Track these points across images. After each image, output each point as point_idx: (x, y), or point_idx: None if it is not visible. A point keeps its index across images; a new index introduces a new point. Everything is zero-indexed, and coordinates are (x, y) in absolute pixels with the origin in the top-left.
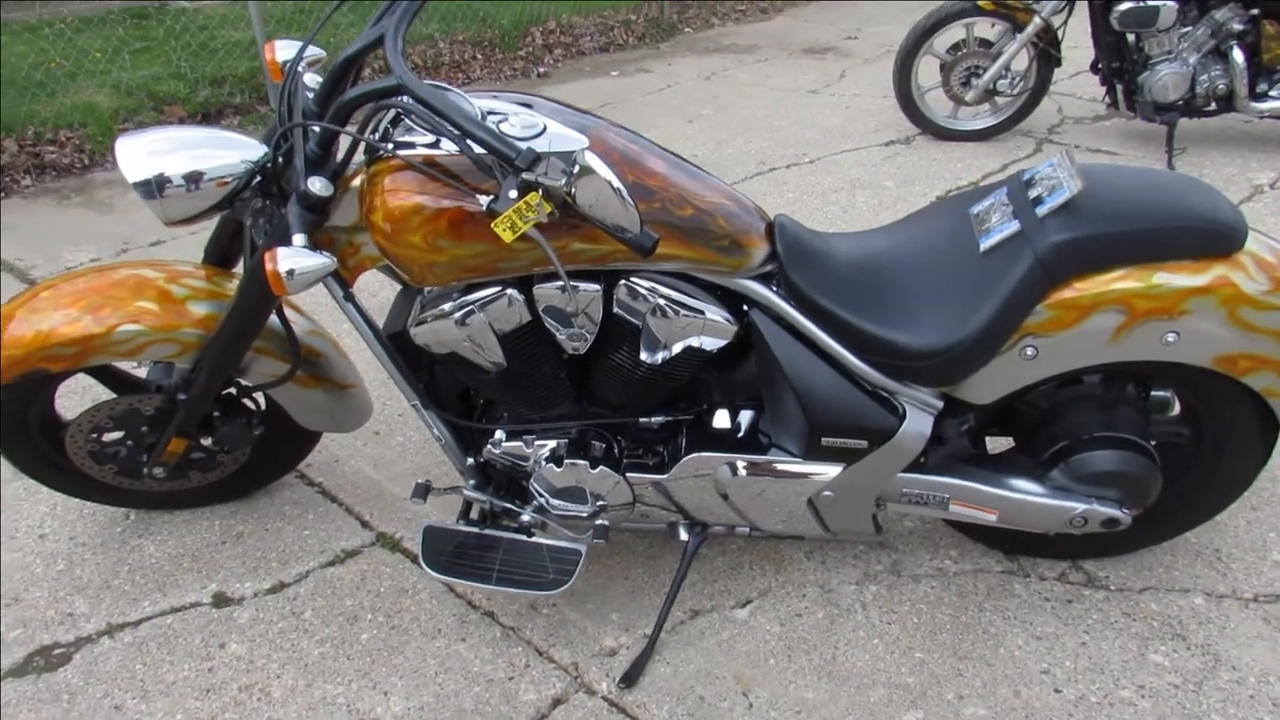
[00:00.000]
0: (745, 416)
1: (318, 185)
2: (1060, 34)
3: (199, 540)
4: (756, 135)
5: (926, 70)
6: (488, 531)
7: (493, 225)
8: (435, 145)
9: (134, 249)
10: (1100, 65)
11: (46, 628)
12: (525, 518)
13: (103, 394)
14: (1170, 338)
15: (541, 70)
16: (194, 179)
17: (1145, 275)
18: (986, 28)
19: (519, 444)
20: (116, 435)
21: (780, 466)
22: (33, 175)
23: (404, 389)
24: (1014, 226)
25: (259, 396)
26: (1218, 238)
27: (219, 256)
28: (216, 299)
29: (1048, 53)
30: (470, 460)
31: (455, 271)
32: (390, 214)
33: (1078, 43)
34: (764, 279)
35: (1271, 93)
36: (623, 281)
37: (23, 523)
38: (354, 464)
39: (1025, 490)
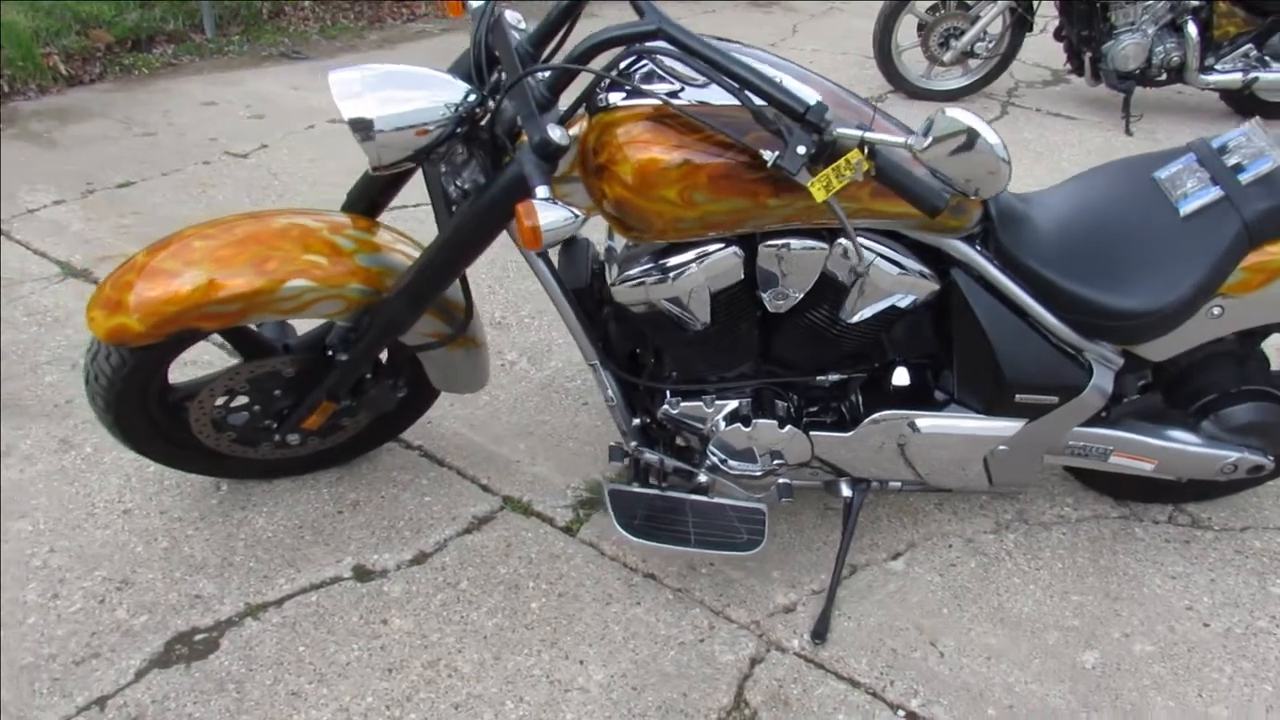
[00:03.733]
0: (919, 374)
1: (558, 134)
2: (1035, 1)
3: (311, 511)
4: None
5: (904, 30)
6: (670, 494)
7: (809, 184)
8: (674, 95)
9: (100, 190)
10: (1066, 33)
11: (176, 612)
12: (702, 478)
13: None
14: None
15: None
16: (410, 122)
17: None
18: None
19: (698, 404)
20: (243, 400)
21: (966, 423)
22: None
23: (585, 348)
24: (1216, 192)
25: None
26: None
27: (365, 206)
28: (378, 252)
29: (1023, 18)
30: (636, 421)
31: (698, 227)
32: (642, 166)
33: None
34: (968, 239)
35: (1218, 66)
36: (841, 240)
37: (98, 497)
38: (448, 425)
39: (1182, 441)
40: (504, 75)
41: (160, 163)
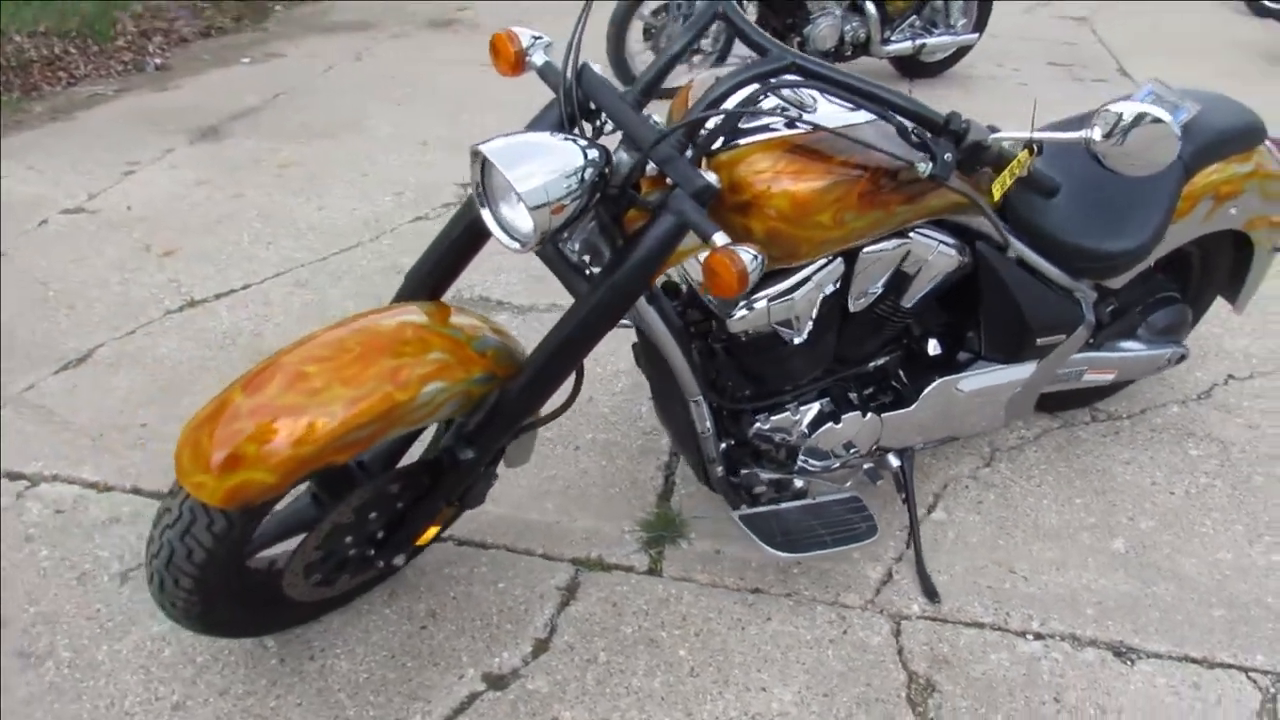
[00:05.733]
0: (941, 341)
1: (714, 178)
2: (745, 1)
3: (390, 636)
4: (479, 109)
5: (632, 34)
6: (783, 506)
7: (992, 185)
8: (791, 124)
9: None
10: (771, 23)
11: None
12: (799, 483)
13: None
14: (1233, 211)
15: (157, 63)
16: (562, 192)
17: (1224, 168)
18: None
19: (784, 415)
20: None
21: (998, 373)
22: None
23: (689, 385)
24: None
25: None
26: (1255, 134)
27: (430, 290)
28: (482, 335)
29: None
30: (723, 445)
31: (839, 244)
32: (799, 196)
33: None
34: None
35: (893, 38)
36: (915, 233)
37: (128, 702)
38: None
39: (1133, 349)
40: (607, 125)
41: None
